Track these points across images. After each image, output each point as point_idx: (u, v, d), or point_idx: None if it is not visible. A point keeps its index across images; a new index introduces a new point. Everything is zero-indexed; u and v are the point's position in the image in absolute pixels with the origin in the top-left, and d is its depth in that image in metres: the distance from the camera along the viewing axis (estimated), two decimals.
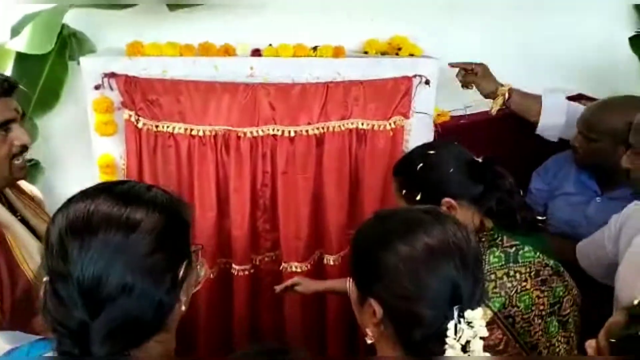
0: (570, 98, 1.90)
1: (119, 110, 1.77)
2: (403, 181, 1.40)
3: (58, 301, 0.75)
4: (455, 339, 0.77)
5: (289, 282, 1.78)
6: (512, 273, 1.29)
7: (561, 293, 1.32)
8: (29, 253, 1.27)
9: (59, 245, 0.76)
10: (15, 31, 1.79)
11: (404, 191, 1.38)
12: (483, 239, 1.33)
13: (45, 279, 0.78)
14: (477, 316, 0.80)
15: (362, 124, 1.81)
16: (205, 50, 1.78)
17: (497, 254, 1.32)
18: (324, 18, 1.89)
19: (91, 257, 0.74)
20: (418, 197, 1.33)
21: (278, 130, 1.79)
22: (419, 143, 1.88)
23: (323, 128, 1.80)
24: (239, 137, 1.79)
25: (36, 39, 1.67)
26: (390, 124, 1.82)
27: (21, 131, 1.28)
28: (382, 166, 1.85)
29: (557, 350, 1.29)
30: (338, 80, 1.79)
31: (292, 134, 1.79)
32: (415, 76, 1.80)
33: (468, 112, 1.95)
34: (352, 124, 1.81)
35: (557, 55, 2.08)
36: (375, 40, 1.90)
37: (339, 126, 1.80)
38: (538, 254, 1.32)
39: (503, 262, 1.31)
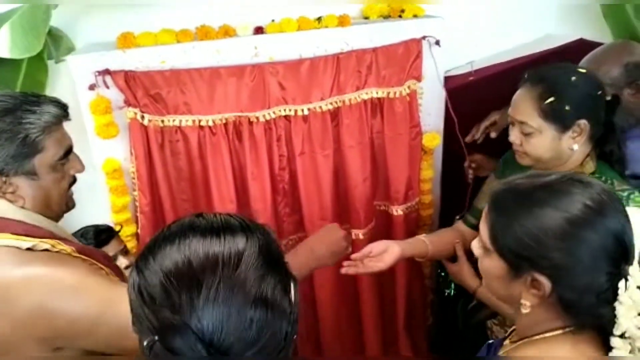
0: (571, 44, 1.90)
1: (120, 109, 1.64)
2: (548, 90, 1.27)
3: (172, 356, 0.66)
4: (627, 294, 0.76)
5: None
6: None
7: None
8: None
9: (165, 297, 0.67)
10: None
11: (548, 101, 1.25)
12: None
13: (148, 338, 0.67)
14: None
15: (377, 92, 1.76)
16: (204, 33, 1.66)
17: None
18: None
19: (206, 304, 0.66)
20: (567, 108, 1.24)
21: (290, 110, 1.72)
22: (433, 106, 1.88)
23: (337, 102, 1.74)
24: (251, 123, 1.70)
25: (19, 41, 1.50)
26: (405, 89, 1.77)
27: (76, 158, 1.17)
28: (402, 133, 1.81)
29: None
30: (346, 50, 1.72)
31: (306, 112, 1.72)
32: (424, 37, 1.75)
33: (474, 68, 1.91)
34: (367, 93, 1.75)
35: None
36: (375, 4, 1.82)
37: (355, 98, 1.74)
38: None
39: None
